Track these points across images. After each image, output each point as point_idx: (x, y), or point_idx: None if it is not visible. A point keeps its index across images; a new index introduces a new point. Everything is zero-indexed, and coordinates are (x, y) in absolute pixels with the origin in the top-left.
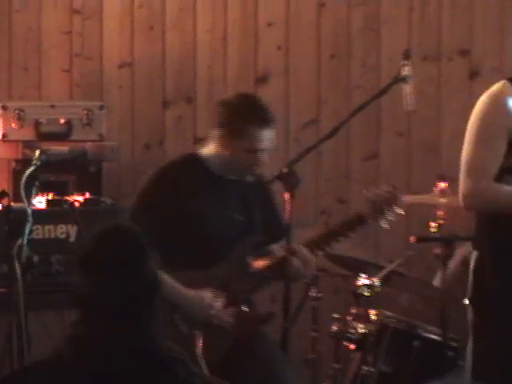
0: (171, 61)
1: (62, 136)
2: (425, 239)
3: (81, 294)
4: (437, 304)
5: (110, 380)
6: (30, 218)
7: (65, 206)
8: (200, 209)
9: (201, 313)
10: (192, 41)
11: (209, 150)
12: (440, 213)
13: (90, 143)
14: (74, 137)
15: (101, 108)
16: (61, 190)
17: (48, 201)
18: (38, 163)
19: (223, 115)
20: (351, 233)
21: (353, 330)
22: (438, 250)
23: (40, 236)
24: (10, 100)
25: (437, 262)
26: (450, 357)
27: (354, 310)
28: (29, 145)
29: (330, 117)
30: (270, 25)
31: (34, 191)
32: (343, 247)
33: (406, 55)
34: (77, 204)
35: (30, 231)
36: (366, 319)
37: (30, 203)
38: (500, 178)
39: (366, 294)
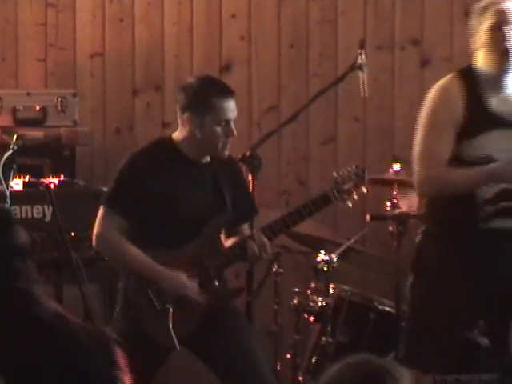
0: (140, 51)
1: (38, 122)
2: (379, 217)
3: None
4: (391, 278)
5: None
6: (8, 199)
7: (40, 187)
8: (172, 192)
9: (175, 291)
10: (160, 32)
11: (179, 134)
12: (394, 192)
13: (63, 129)
14: (48, 123)
15: (74, 95)
16: (36, 172)
17: (25, 183)
18: (15, 148)
19: (187, 97)
20: (317, 211)
21: (312, 304)
22: (391, 228)
23: (17, 216)
24: None
25: (391, 239)
26: (403, 328)
27: (313, 285)
28: (6, 130)
29: (289, 103)
30: (233, 16)
31: (11, 174)
32: (303, 226)
33: (361, 45)
34: (52, 186)
35: None
36: (324, 293)
37: (7, 185)
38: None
39: (324, 269)
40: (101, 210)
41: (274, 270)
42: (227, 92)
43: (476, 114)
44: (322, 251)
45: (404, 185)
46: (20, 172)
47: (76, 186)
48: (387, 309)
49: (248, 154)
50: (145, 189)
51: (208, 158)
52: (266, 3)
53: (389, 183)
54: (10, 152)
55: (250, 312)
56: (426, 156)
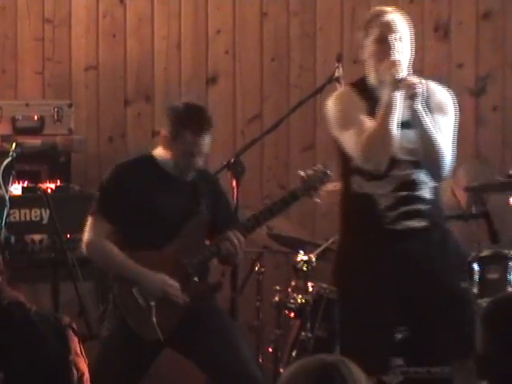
0: (131, 64)
1: (36, 130)
2: None
3: None
4: None
5: None
6: (8, 203)
7: (38, 192)
8: (151, 199)
9: (158, 291)
10: (150, 47)
11: (158, 150)
12: None
13: (60, 137)
14: (46, 131)
15: (69, 106)
16: (34, 178)
17: (23, 188)
18: (14, 155)
19: (168, 118)
20: (286, 208)
21: (292, 300)
22: None
23: (17, 219)
24: None
25: None
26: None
27: (293, 283)
28: (6, 138)
29: (271, 113)
30: (218, 32)
31: (10, 179)
32: (284, 228)
33: (339, 58)
34: (49, 190)
35: (8, 214)
36: (304, 291)
37: (7, 190)
38: (348, 177)
39: (304, 268)
40: (89, 218)
41: (256, 269)
42: (202, 129)
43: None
44: (302, 251)
45: None
46: (19, 177)
47: (71, 190)
48: None
49: (232, 160)
50: (127, 197)
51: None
52: (249, 19)
53: None
54: (10, 159)
55: (234, 308)
56: (354, 143)
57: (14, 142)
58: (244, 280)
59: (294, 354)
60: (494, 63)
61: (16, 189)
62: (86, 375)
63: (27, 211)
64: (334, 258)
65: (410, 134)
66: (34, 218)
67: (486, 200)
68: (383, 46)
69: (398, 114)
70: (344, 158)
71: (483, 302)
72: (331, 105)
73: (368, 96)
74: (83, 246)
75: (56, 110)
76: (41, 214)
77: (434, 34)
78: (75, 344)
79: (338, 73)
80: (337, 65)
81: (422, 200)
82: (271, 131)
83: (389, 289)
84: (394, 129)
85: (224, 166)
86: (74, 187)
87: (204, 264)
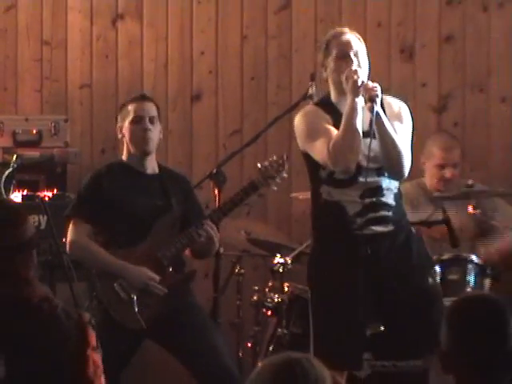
0: (122, 83)
1: (34, 143)
2: None
3: None
4: None
5: None
6: None
7: (36, 200)
8: (125, 199)
9: (138, 282)
10: (139, 67)
11: (123, 154)
12: None
13: (56, 149)
14: (43, 144)
15: (65, 121)
16: (33, 187)
17: (23, 196)
18: (15, 165)
19: (118, 116)
20: (247, 198)
21: (270, 300)
22: None
23: None
24: None
25: None
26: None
27: (270, 283)
28: (7, 151)
29: (251, 127)
30: (202, 53)
31: (11, 188)
32: (262, 233)
33: (312, 78)
34: (46, 198)
35: None
36: (280, 291)
37: (8, 197)
38: (318, 187)
39: (280, 270)
40: (71, 221)
41: (236, 270)
42: (138, 96)
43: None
44: (278, 255)
45: None
46: (19, 186)
47: (67, 198)
48: None
49: (215, 171)
50: (103, 199)
51: (156, 169)
52: (231, 42)
53: None
54: (10, 169)
55: (216, 307)
56: (322, 150)
57: (14, 154)
58: (225, 281)
59: (271, 348)
60: (455, 83)
61: (16, 197)
62: (101, 368)
63: None
64: (308, 262)
65: (372, 142)
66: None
67: (446, 208)
68: (343, 61)
69: (361, 121)
70: (313, 168)
71: (445, 301)
72: (299, 121)
73: (331, 110)
74: (67, 247)
75: (53, 124)
76: (39, 219)
77: (400, 56)
78: (93, 339)
79: (312, 91)
80: (310, 83)
81: (387, 206)
82: (250, 144)
83: (359, 290)
84: (359, 131)
85: (207, 176)
86: (70, 195)
87: (177, 256)
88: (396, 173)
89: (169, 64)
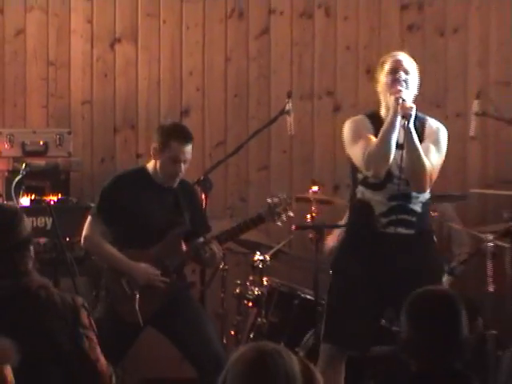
0: (119, 99)
1: (41, 153)
2: (302, 227)
3: None
4: (310, 273)
5: None
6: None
7: (43, 203)
8: (141, 207)
9: (143, 279)
10: (134, 85)
11: (150, 164)
12: (313, 208)
13: (61, 159)
14: (49, 154)
15: (69, 133)
16: (40, 192)
17: (31, 200)
18: (24, 173)
19: (158, 133)
20: (254, 227)
21: (250, 292)
22: (311, 235)
23: None
24: (4, 128)
25: (311, 244)
26: (319, 311)
27: (251, 278)
28: (17, 160)
29: (234, 139)
30: (190, 73)
31: (20, 193)
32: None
33: (289, 95)
34: (51, 202)
35: None
36: (259, 284)
37: (18, 201)
38: (355, 187)
39: (260, 266)
40: (88, 217)
41: (221, 266)
42: (186, 137)
43: None
44: (258, 252)
45: (320, 202)
46: (27, 191)
47: (70, 202)
48: (308, 297)
49: (202, 178)
50: (122, 204)
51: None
52: (216, 63)
53: (309, 200)
54: (20, 176)
55: (203, 299)
56: (363, 152)
57: (23, 163)
58: (211, 276)
59: (251, 336)
60: (415, 99)
61: (25, 201)
62: (95, 341)
63: (34, 219)
64: (335, 249)
65: (404, 154)
66: (39, 225)
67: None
68: (393, 77)
69: (397, 134)
70: (353, 170)
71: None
72: (346, 126)
73: (377, 122)
74: (82, 240)
75: (58, 136)
76: (45, 221)
77: (366, 76)
78: (85, 319)
79: (288, 107)
80: (287, 100)
81: (412, 212)
82: (233, 154)
83: (374, 280)
84: (393, 144)
85: (195, 182)
86: (72, 200)
87: (182, 266)
88: (417, 185)
89: (161, 83)
